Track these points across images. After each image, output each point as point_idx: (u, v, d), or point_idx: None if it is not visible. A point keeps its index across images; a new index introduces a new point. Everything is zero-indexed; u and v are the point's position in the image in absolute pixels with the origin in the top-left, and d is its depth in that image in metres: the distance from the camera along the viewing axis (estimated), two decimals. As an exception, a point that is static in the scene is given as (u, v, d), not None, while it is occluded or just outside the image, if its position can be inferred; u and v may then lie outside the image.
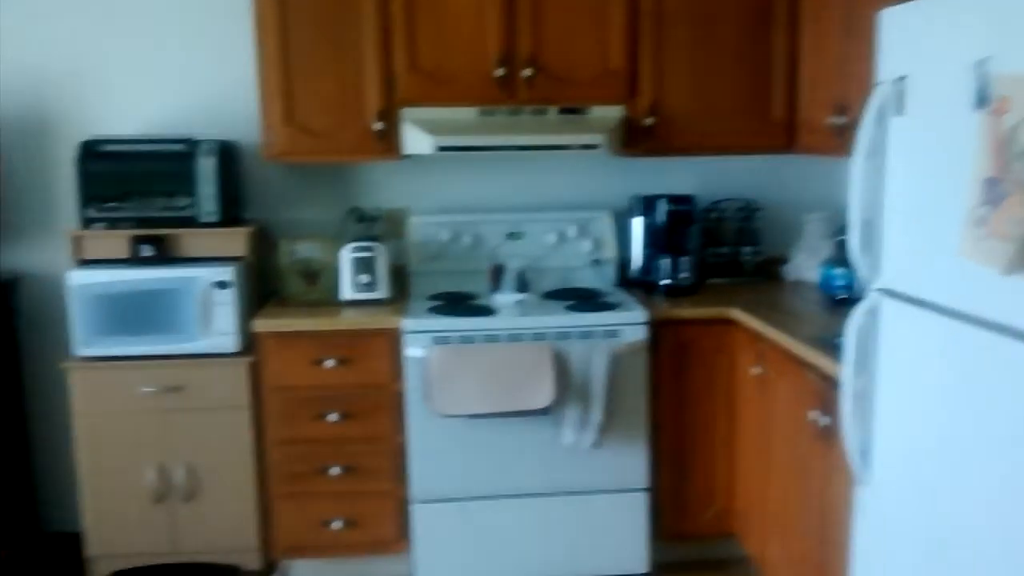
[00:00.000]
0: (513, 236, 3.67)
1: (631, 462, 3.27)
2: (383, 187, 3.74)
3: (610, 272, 3.69)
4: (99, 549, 3.38)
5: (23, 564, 3.47)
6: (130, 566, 3.41)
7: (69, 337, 3.31)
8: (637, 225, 3.68)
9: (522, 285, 3.50)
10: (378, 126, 3.37)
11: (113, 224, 3.36)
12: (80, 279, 3.28)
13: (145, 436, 3.32)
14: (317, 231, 3.63)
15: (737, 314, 3.23)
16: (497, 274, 3.53)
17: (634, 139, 3.48)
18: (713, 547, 3.47)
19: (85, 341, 3.29)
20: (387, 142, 3.39)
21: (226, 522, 3.38)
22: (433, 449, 3.21)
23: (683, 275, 3.54)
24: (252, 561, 3.42)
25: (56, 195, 3.59)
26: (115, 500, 3.34)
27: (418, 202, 3.74)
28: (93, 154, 3.35)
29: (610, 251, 3.70)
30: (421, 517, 3.24)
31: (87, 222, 3.34)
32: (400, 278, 3.62)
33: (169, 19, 3.57)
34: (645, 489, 3.29)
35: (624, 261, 3.71)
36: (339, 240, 3.52)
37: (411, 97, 3.38)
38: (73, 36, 3.55)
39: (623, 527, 3.30)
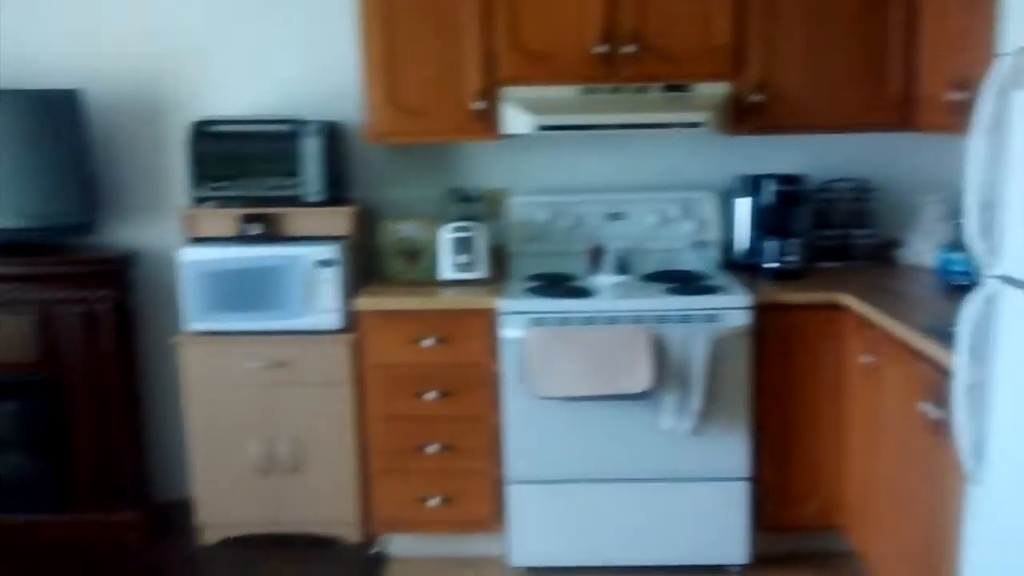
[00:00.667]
0: (613, 217, 3.61)
1: (731, 450, 3.19)
2: (483, 167, 3.73)
3: (713, 254, 3.59)
4: (208, 517, 3.52)
5: (138, 530, 3.63)
6: (237, 535, 3.53)
7: (180, 312, 3.43)
8: (743, 206, 3.56)
9: (622, 267, 3.45)
10: (478, 106, 3.36)
11: (223, 203, 3.45)
12: (191, 256, 3.39)
13: (251, 409, 3.43)
14: (418, 211, 3.65)
15: (847, 300, 3.10)
16: (596, 255, 3.48)
17: (740, 116, 3.37)
18: (816, 540, 3.36)
19: (195, 316, 3.41)
20: (487, 122, 3.38)
21: (327, 495, 3.46)
22: (529, 430, 3.20)
23: (790, 258, 3.41)
24: (352, 534, 3.50)
25: (170, 175, 3.71)
26: (223, 471, 3.46)
27: (518, 182, 3.71)
28: (203, 134, 3.45)
29: (714, 233, 3.60)
30: (516, 497, 3.24)
31: (198, 201, 3.45)
32: (499, 259, 3.60)
33: (278, 3, 3.64)
34: (746, 478, 3.20)
35: (728, 243, 3.60)
36: (439, 220, 3.54)
37: (511, 76, 3.36)
38: (186, 21, 3.66)
39: (722, 516, 3.22)
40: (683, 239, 3.60)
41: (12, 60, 3.64)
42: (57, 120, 3.49)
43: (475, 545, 3.41)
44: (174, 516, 3.67)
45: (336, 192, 3.52)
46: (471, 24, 3.32)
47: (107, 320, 3.55)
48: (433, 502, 3.33)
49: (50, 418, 3.60)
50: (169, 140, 3.68)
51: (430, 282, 3.48)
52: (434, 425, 3.29)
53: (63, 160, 3.51)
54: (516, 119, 3.33)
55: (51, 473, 3.62)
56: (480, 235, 3.45)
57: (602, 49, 3.30)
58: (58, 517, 3.61)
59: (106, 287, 3.53)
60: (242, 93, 3.69)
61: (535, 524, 3.25)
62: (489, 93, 3.36)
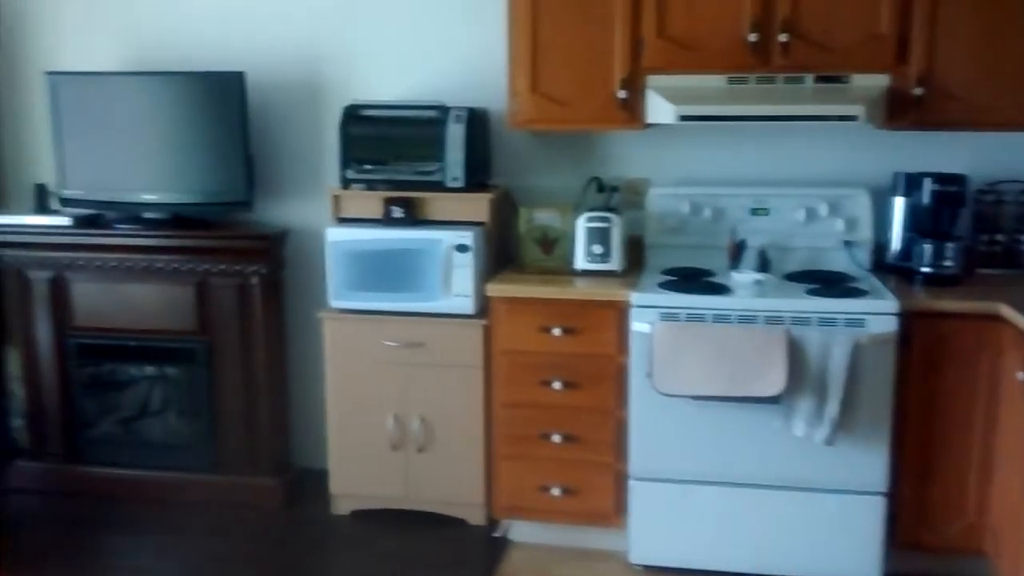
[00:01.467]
0: (757, 212, 3.47)
1: (868, 463, 3.02)
2: (625, 157, 3.67)
3: (863, 255, 3.40)
4: (341, 488, 3.65)
5: (276, 495, 3.81)
6: (368, 507, 3.65)
7: (325, 289, 3.57)
8: (898, 205, 3.36)
9: (763, 264, 3.32)
10: (622, 94, 3.31)
11: (370, 185, 3.56)
12: (336, 236, 3.51)
13: (386, 386, 3.52)
14: (558, 199, 3.64)
15: (1007, 311, 2.87)
16: (737, 251, 3.37)
17: (899, 110, 3.17)
18: (956, 563, 3.14)
19: (338, 294, 3.53)
20: (630, 111, 3.33)
21: (455, 476, 3.52)
22: (655, 426, 3.14)
23: (947, 263, 3.19)
24: (477, 517, 3.55)
25: (324, 156, 3.85)
26: (357, 444, 3.58)
27: (659, 173, 3.64)
28: (354, 118, 3.56)
29: (865, 232, 3.40)
30: (639, 494, 3.20)
31: (346, 182, 3.57)
32: (636, 250, 3.55)
33: (427, -8, 3.73)
34: (883, 493, 3.03)
35: (881, 244, 3.41)
36: (578, 209, 3.52)
37: (657, 64, 3.29)
38: (344, 8, 3.79)
39: (855, 531, 3.06)
40: (831, 238, 3.42)
41: (181, 43, 3.89)
42: (221, 101, 3.69)
43: (595, 538, 3.39)
44: (311, 484, 3.84)
45: (478, 178, 3.56)
46: (618, 12, 3.28)
47: (258, 294, 3.73)
48: (555, 491, 3.32)
49: (205, 384, 3.83)
50: (324, 123, 3.82)
51: (564, 271, 3.47)
52: (559, 414, 3.29)
53: (226, 140, 3.70)
54: (660, 109, 3.26)
55: (203, 436, 3.87)
56: (616, 226, 3.41)
57: (753, 38, 3.18)
58: (207, 477, 3.85)
59: (259, 262, 3.71)
60: (395, 79, 3.78)
61: (657, 522, 3.20)
62: (633, 82, 3.31)
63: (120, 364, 3.95)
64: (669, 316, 3.07)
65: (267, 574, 3.35)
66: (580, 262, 3.44)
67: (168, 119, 3.76)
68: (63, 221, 3.82)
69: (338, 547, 3.54)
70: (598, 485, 3.29)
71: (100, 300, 3.86)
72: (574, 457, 3.30)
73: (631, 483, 3.20)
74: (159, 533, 3.63)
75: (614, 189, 3.60)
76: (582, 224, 3.43)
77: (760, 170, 3.58)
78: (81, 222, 3.83)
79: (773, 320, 3.00)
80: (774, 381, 2.94)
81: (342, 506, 3.68)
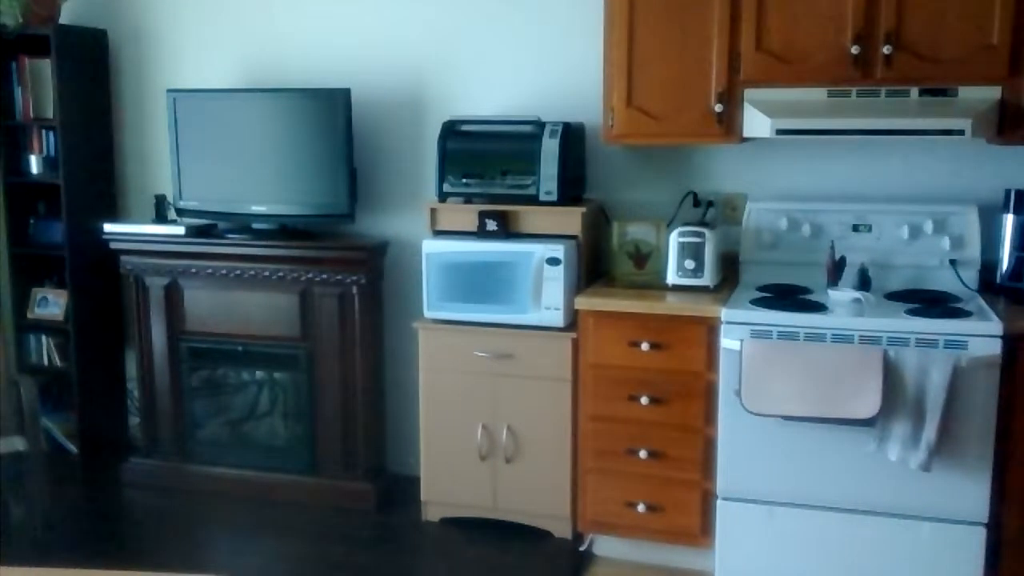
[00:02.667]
0: (858, 228, 3.37)
1: (968, 491, 2.88)
2: (721, 171, 3.63)
3: (971, 275, 3.26)
4: (431, 495, 3.71)
5: (370, 500, 3.89)
6: (457, 516, 3.70)
7: (421, 300, 3.64)
8: (1008, 223, 3.19)
9: (862, 282, 3.22)
10: (718, 108, 3.27)
11: (466, 199, 3.63)
12: (432, 248, 3.58)
13: (476, 397, 3.57)
14: (651, 213, 3.63)
15: (1124, 335, 2.71)
16: (836, 268, 3.27)
17: (1011, 124, 3.03)
18: (1069, 604, 2.97)
19: (433, 305, 3.59)
20: (727, 125, 3.29)
21: (542, 488, 3.53)
22: (744, 446, 3.08)
23: (1061, 284, 3.04)
24: (563, 529, 3.54)
25: (424, 170, 3.94)
26: (448, 452, 3.63)
27: (756, 188, 3.57)
28: (452, 133, 3.63)
29: (972, 251, 3.26)
30: (726, 514, 3.13)
31: (443, 196, 3.64)
32: (731, 266, 3.50)
33: (526, 7, 3.76)
34: (983, 524, 2.89)
35: (990, 264, 3.25)
36: (672, 224, 3.49)
37: (755, 77, 3.24)
38: (445, 26, 3.88)
39: (952, 562, 2.92)
40: (936, 256, 3.29)
41: (291, 62, 4.06)
42: (327, 117, 3.82)
43: (680, 557, 3.34)
44: (403, 490, 3.92)
45: (572, 192, 3.57)
46: (716, 25, 3.25)
47: (358, 303, 3.84)
48: (640, 508, 3.29)
49: (306, 389, 3.97)
50: (425, 138, 3.91)
51: (656, 286, 3.44)
52: (646, 430, 3.26)
53: (331, 154, 3.83)
54: (757, 122, 3.21)
55: (303, 439, 4.00)
56: (710, 241, 3.36)
57: (856, 50, 3.10)
58: (306, 479, 3.97)
59: (359, 273, 3.82)
60: (494, 94, 3.85)
61: (744, 544, 3.13)
62: (730, 95, 3.27)
63: (227, 368, 4.13)
64: (760, 333, 3.01)
65: (356, 576, 3.44)
66: (672, 277, 3.41)
67: (277, 134, 3.92)
68: (178, 231, 4.02)
69: (426, 554, 3.60)
70: (684, 503, 3.25)
71: (210, 306, 4.05)
72: (660, 474, 3.26)
73: (718, 502, 3.15)
74: (259, 532, 3.76)
75: (710, 204, 3.57)
76: (675, 238, 3.40)
77: (861, 185, 3.48)
78: (195, 232, 4.03)
79: (869, 340, 2.90)
80: (868, 403, 2.85)
81: (432, 513, 3.74)
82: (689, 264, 3.37)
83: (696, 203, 3.57)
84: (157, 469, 4.18)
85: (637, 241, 3.56)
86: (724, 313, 3.08)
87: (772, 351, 2.98)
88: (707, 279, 3.36)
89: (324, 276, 3.86)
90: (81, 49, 4.28)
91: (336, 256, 3.86)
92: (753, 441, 3.06)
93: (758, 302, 3.15)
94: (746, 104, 3.25)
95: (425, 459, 3.68)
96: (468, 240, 3.56)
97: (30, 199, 4.37)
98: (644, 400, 3.24)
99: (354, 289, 3.84)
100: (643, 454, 3.26)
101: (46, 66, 4.18)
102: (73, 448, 4.38)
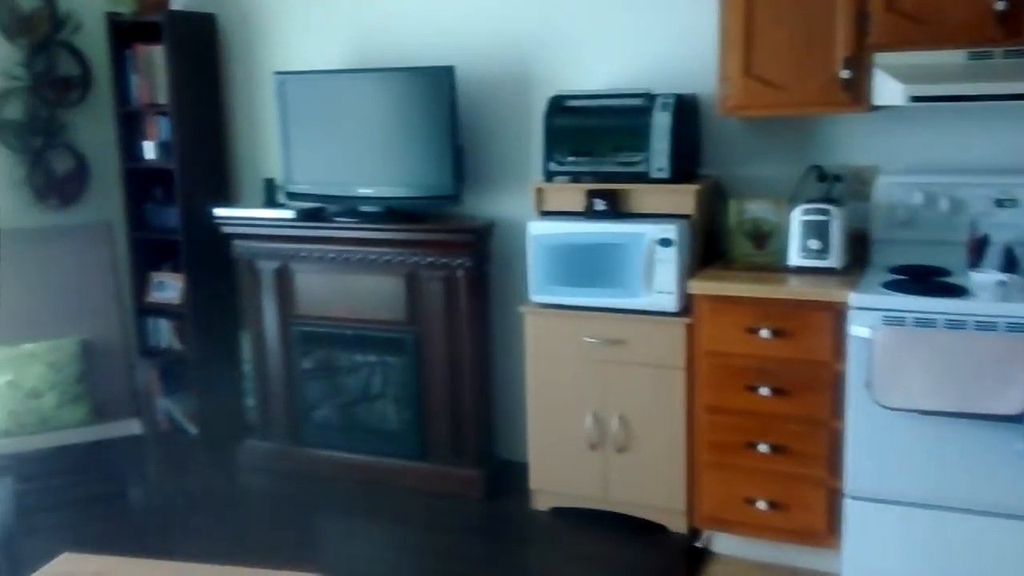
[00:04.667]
0: (1003, 203, 3.06)
1: None
2: (849, 143, 3.36)
3: None
4: (540, 484, 3.61)
5: (478, 486, 3.82)
6: (567, 505, 3.58)
7: (527, 283, 3.52)
8: None
9: (1008, 263, 2.92)
10: (844, 75, 3.02)
11: (573, 177, 3.48)
12: (538, 229, 3.45)
13: (585, 384, 3.44)
14: (772, 190, 3.39)
15: None
16: (978, 248, 2.98)
17: None
18: None
19: (539, 288, 3.47)
20: (854, 92, 3.03)
21: (655, 480, 3.37)
22: (874, 442, 2.85)
23: None
24: (678, 524, 3.38)
25: (531, 149, 3.80)
26: (556, 440, 3.52)
27: (888, 160, 3.29)
28: (558, 109, 3.48)
29: None
30: (854, 514, 2.92)
31: (549, 175, 3.50)
32: (860, 246, 3.24)
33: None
34: None
35: None
36: (794, 200, 3.26)
37: (886, 40, 2.97)
38: (549, 1, 3.73)
39: (1114, 574, 2.65)
40: (1095, 233, 2.98)
41: (396, 41, 3.98)
42: (432, 96, 3.72)
43: (804, 557, 3.14)
44: (513, 477, 3.82)
45: (686, 168, 3.37)
46: (841, -16, 3.00)
47: (464, 286, 3.75)
48: (761, 505, 3.11)
49: (414, 374, 3.91)
50: (532, 115, 3.76)
51: (777, 268, 3.23)
52: (766, 423, 3.06)
53: (436, 134, 3.74)
54: (888, 89, 2.95)
55: (412, 424, 3.95)
56: (837, 219, 3.12)
57: (1001, 6, 2.79)
58: (415, 465, 3.93)
59: (465, 255, 3.73)
60: (602, 67, 3.67)
61: (874, 546, 2.90)
62: (858, 61, 3.01)
63: (336, 351, 4.11)
64: (893, 320, 2.77)
65: (465, 566, 3.35)
66: (795, 258, 3.18)
67: (382, 114, 3.86)
68: (288, 214, 4.01)
69: (535, 544, 3.51)
70: (809, 501, 3.04)
71: (319, 290, 4.04)
72: (783, 469, 3.07)
73: (846, 502, 2.93)
74: (369, 518, 3.75)
75: (836, 178, 3.31)
76: (798, 216, 3.16)
77: (1006, 156, 3.16)
78: (304, 215, 4.01)
79: (1017, 328, 2.63)
80: (1015, 398, 2.58)
81: (541, 502, 3.63)
82: (814, 244, 3.14)
83: (821, 178, 3.31)
84: (271, 451, 4.22)
85: (757, 219, 3.34)
86: (853, 298, 2.84)
87: (907, 339, 2.73)
88: (834, 260, 3.12)
89: (430, 259, 3.78)
90: (191, 34, 4.30)
91: (441, 239, 3.78)
92: (885, 437, 2.83)
93: (891, 285, 2.90)
94: (876, 69, 2.98)
95: (533, 447, 3.58)
96: (575, 221, 3.41)
97: (146, 184, 4.45)
98: (764, 391, 3.04)
99: (460, 272, 3.75)
100: (764, 448, 3.07)
101: (158, 52, 4.23)
102: (192, 429, 4.47)
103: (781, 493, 3.08)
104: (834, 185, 3.29)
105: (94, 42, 4.32)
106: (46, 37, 4.20)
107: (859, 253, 3.25)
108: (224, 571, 2.23)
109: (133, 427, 3.61)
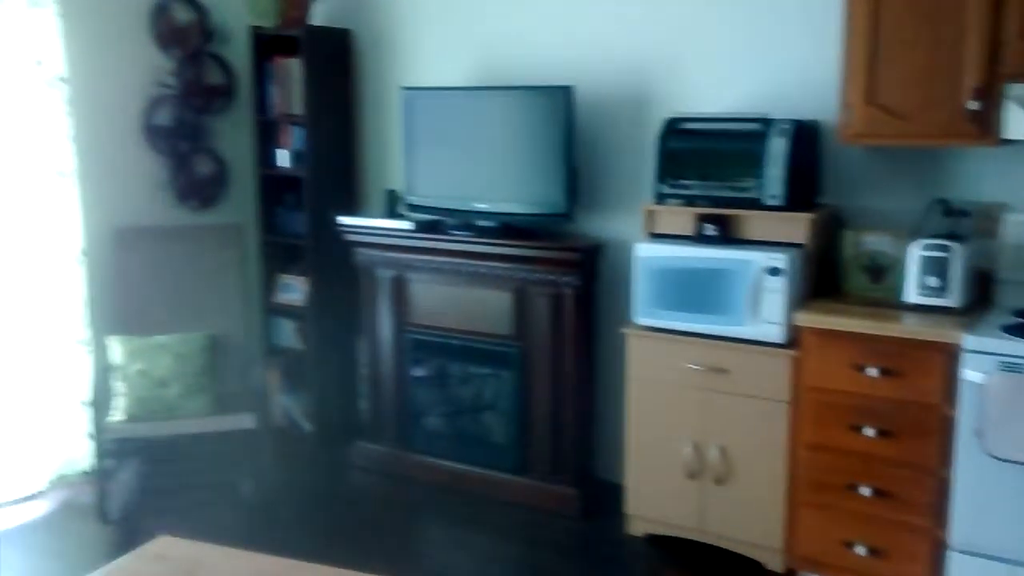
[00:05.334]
0: None
1: None
2: (977, 177, 3.19)
3: None
4: (636, 509, 3.57)
5: (575, 505, 3.81)
6: (662, 533, 3.53)
7: (631, 304, 3.50)
8: None
9: None
10: (973, 105, 2.88)
11: (685, 201, 3.43)
12: (645, 251, 3.43)
13: (686, 411, 3.38)
14: (892, 222, 3.26)
15: None
16: (1114, 294, 2.79)
17: None
18: None
19: (643, 311, 3.45)
20: (982, 124, 2.88)
21: (752, 515, 3.28)
22: (984, 493, 2.70)
23: None
24: (773, 562, 3.28)
25: (644, 170, 3.76)
26: (654, 466, 3.48)
27: (1018, 198, 3.11)
28: (673, 131, 3.45)
29: None
30: (959, 569, 2.77)
31: (661, 197, 3.47)
32: (985, 285, 3.08)
33: (757, 2, 3.50)
34: None
35: None
36: (915, 234, 3.11)
37: (1021, 70, 2.81)
38: (669, 21, 3.70)
39: None
40: None
41: (518, 60, 4.03)
42: (550, 114, 3.74)
43: (904, 608, 3.00)
44: (610, 499, 3.78)
45: (803, 195, 3.28)
46: (973, 12, 2.86)
47: (570, 304, 3.76)
48: (859, 549, 2.98)
49: (517, 388, 3.94)
50: (647, 137, 3.73)
51: (892, 304, 3.10)
52: (870, 465, 2.94)
53: (552, 152, 3.76)
54: (1021, 122, 2.79)
55: (513, 439, 3.98)
56: (958, 256, 2.96)
57: None
58: (515, 479, 3.95)
59: (573, 273, 3.74)
60: (722, 91, 3.62)
61: (979, 604, 2.75)
62: (989, 91, 2.86)
63: (445, 361, 4.19)
64: (1011, 366, 2.62)
65: (554, 585, 3.37)
66: (911, 295, 3.04)
67: (501, 131, 3.91)
68: (406, 225, 4.12)
69: (628, 570, 3.47)
70: (911, 550, 2.90)
71: (432, 300, 4.12)
72: (885, 515, 2.94)
73: (950, 554, 2.78)
74: (465, 528, 3.80)
75: (964, 214, 3.14)
76: (917, 251, 3.03)
77: None
78: (421, 227, 4.11)
79: None
80: None
81: (636, 527, 3.59)
82: (932, 281, 2.99)
83: (948, 212, 3.15)
84: (380, 454, 4.33)
85: (874, 252, 3.22)
86: (968, 340, 2.70)
87: (1018, 387, 2.57)
88: (952, 299, 2.97)
89: (539, 275, 3.81)
90: (327, 49, 4.49)
91: (550, 256, 3.79)
92: (996, 489, 2.68)
93: (1012, 329, 2.74)
94: (1007, 101, 2.83)
95: (631, 471, 3.55)
96: (683, 245, 3.37)
97: (278, 190, 4.66)
98: (869, 431, 2.92)
99: (567, 290, 3.76)
100: (865, 491, 2.95)
101: (296, 65, 4.42)
102: (307, 426, 4.64)
103: (881, 539, 2.95)
104: (960, 221, 3.13)
105: (238, 54, 4.57)
106: (197, 48, 4.48)
107: (983, 293, 3.08)
108: (315, 570, 2.30)
109: (250, 421, 3.79)
